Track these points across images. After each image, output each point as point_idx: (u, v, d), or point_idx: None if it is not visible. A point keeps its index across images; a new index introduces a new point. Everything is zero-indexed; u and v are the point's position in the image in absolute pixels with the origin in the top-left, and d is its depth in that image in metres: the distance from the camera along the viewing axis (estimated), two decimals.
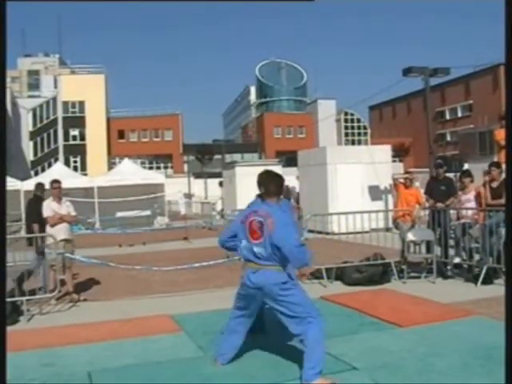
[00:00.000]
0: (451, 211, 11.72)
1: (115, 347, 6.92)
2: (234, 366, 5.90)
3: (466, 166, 26.33)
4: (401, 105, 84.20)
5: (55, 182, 10.62)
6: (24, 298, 9.06)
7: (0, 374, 3.79)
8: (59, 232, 10.02)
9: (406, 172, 13.89)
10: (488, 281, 9.97)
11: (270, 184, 5.74)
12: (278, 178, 5.83)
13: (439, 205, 11.48)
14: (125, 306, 9.49)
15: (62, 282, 10.00)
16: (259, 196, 5.78)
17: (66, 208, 10.41)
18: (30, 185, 29.48)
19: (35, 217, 10.82)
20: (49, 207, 10.30)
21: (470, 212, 11.38)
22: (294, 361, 5.91)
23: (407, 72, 24.89)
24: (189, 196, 45.01)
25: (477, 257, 10.91)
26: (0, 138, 4.61)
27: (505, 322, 4.35)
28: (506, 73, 4.91)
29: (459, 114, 72.66)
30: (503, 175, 11.03)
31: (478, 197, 11.39)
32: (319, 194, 21.29)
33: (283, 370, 5.74)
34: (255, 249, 5.53)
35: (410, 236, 11.38)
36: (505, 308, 4.41)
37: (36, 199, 11.43)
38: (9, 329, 8.19)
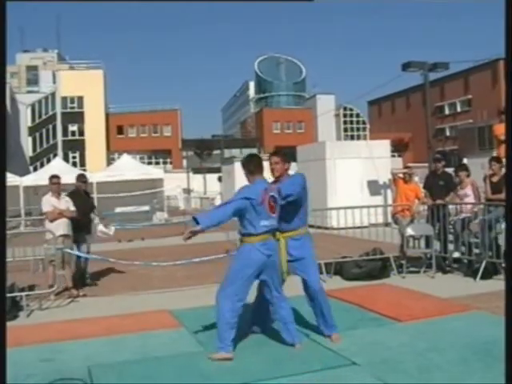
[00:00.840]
0: (450, 206, 11.71)
1: (115, 342, 6.92)
2: (233, 362, 5.90)
3: (465, 161, 26.34)
4: (400, 100, 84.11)
5: (54, 177, 10.63)
6: (23, 294, 9.05)
7: (0, 373, 3.78)
8: (58, 227, 10.01)
9: (406, 167, 13.88)
10: (487, 276, 9.97)
11: (260, 164, 6.35)
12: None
13: (439, 201, 11.47)
14: (124, 302, 9.49)
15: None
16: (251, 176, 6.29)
17: (65, 203, 10.40)
18: (28, 180, 29.56)
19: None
20: (48, 202, 10.29)
21: (468, 206, 11.37)
22: (293, 357, 5.92)
23: (406, 67, 24.87)
24: (188, 191, 45.04)
25: (476, 251, 10.91)
26: (0, 137, 4.60)
27: (505, 318, 4.35)
28: (505, 70, 4.90)
29: (458, 109, 72.62)
30: (503, 170, 11.03)
31: (474, 190, 11.39)
32: (318, 189, 21.25)
33: (283, 366, 5.74)
34: (272, 222, 6.13)
35: (409, 231, 11.38)
36: (505, 303, 4.40)
37: (76, 191, 11.45)
38: (8, 324, 8.21)
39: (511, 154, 4.82)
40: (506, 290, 4.56)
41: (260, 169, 6.31)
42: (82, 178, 11.68)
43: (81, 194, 11.33)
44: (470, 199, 11.41)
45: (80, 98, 67.73)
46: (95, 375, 5.75)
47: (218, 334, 6.02)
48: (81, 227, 10.71)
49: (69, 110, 68.22)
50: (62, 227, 10.13)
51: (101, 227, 11.58)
